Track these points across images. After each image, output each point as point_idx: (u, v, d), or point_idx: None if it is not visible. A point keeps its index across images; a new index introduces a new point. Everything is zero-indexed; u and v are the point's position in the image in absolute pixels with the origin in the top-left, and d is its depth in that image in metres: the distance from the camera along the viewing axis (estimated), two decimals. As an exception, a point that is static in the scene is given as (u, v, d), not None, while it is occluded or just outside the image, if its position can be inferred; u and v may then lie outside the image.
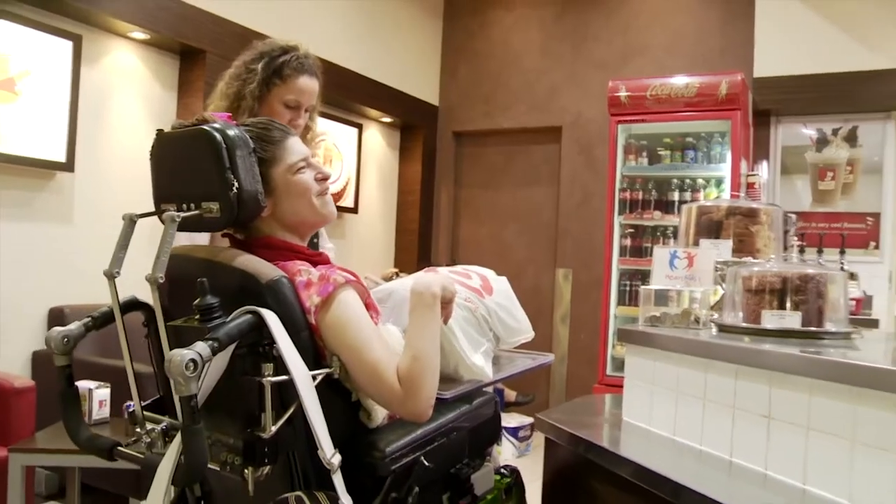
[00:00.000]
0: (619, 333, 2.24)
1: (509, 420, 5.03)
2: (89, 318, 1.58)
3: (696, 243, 2.36)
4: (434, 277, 1.60)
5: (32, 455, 2.74)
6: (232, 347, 1.37)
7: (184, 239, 1.78)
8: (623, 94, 4.94)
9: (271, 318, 1.38)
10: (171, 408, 1.55)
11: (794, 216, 4.61)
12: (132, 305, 1.60)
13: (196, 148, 1.49)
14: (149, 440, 1.48)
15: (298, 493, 1.39)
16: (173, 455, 1.34)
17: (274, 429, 1.36)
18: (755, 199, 5.00)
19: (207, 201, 1.49)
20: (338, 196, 5.66)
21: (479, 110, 6.45)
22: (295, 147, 1.64)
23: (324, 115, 5.28)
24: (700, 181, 4.99)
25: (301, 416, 1.39)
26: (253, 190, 1.50)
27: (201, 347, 1.27)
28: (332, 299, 1.47)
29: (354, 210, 5.87)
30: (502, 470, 2.12)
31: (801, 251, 3.91)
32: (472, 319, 1.83)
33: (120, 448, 1.52)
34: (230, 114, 1.73)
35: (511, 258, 6.28)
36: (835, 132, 5.27)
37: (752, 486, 1.55)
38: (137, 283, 1.45)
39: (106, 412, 2.97)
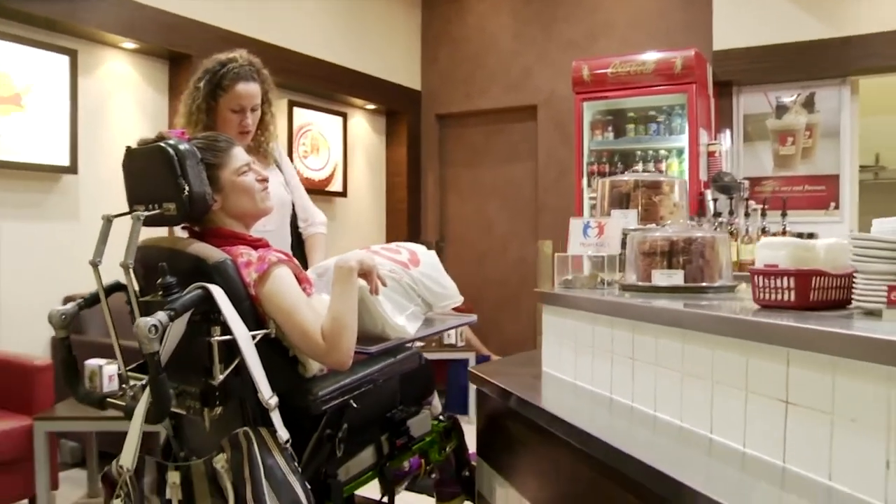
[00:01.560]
0: (538, 295, 2.59)
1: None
2: (81, 300, 1.98)
3: (609, 214, 2.71)
4: (353, 254, 1.98)
5: (53, 422, 3.15)
6: (188, 315, 1.75)
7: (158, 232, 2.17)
8: (586, 73, 5.26)
9: (217, 292, 1.76)
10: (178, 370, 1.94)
11: (745, 182, 4.95)
12: (115, 288, 1.98)
13: (155, 160, 1.87)
14: (132, 393, 1.87)
15: (245, 428, 1.78)
16: (145, 400, 1.73)
17: (221, 377, 1.75)
18: (716, 167, 5.34)
19: (167, 202, 1.87)
20: (326, 182, 6.04)
21: (460, 92, 6.79)
22: (239, 155, 2.02)
23: (309, 106, 5.69)
24: (662, 152, 5.32)
25: (246, 369, 1.77)
26: (201, 191, 1.87)
27: (161, 315, 1.66)
28: (267, 274, 1.85)
29: (343, 194, 6.25)
30: (440, 417, 2.51)
31: (763, 215, 4.26)
32: (398, 287, 2.21)
33: (109, 399, 1.92)
34: (183, 130, 2.10)
35: (495, 232, 6.65)
36: (793, 100, 5.56)
37: (645, 427, 1.83)
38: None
39: (115, 385, 3.36)
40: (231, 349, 1.78)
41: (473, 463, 2.64)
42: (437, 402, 2.54)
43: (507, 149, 6.72)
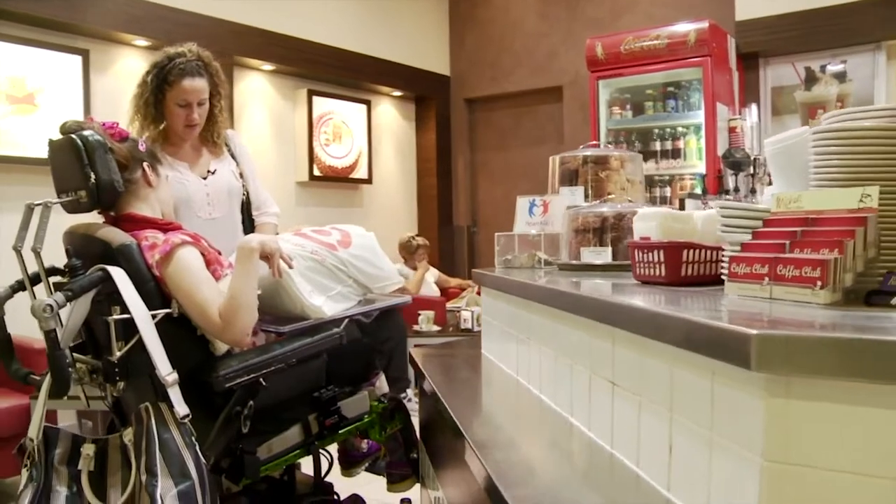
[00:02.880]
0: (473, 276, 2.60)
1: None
2: (15, 283, 2.09)
3: (558, 191, 2.69)
4: (254, 236, 2.04)
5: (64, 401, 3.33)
6: (90, 295, 1.84)
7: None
8: (600, 50, 5.19)
9: (116, 273, 1.84)
10: (93, 348, 2.04)
11: (762, 158, 4.77)
12: (50, 272, 2.09)
13: (66, 151, 1.97)
14: (76, 376, 1.97)
15: (146, 403, 1.86)
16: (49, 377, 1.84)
17: (119, 354, 1.83)
18: (737, 143, 5.17)
19: (79, 190, 1.97)
20: (349, 169, 6.14)
21: (487, 76, 6.78)
22: None
23: (329, 94, 5.77)
24: (680, 129, 5.20)
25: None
26: (109, 180, 1.96)
27: (58, 296, 1.75)
28: (170, 255, 1.92)
29: (368, 181, 6.33)
30: (381, 398, 2.53)
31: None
32: (321, 269, 2.26)
33: (30, 376, 2.03)
34: (115, 123, 2.18)
35: (525, 215, 6.62)
36: (822, 69, 5.34)
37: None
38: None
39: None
40: (133, 328, 1.86)
41: (425, 444, 2.67)
42: (381, 384, 2.57)
43: (534, 131, 6.68)
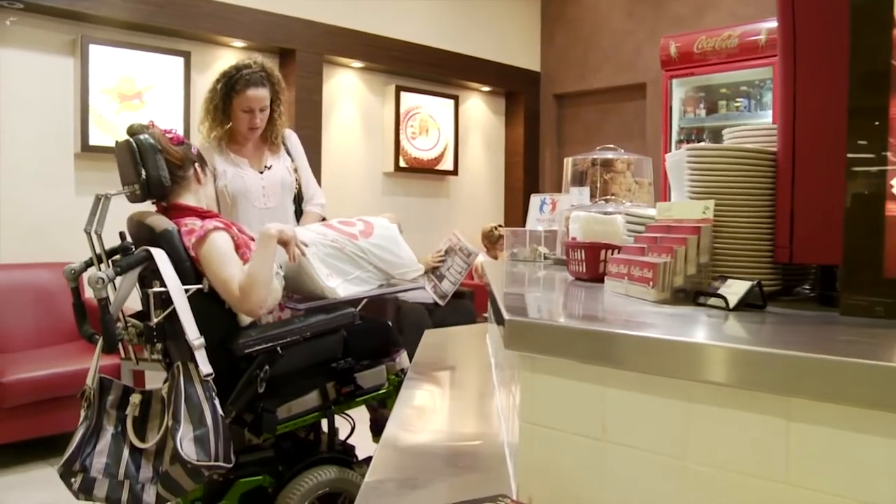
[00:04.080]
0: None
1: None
2: (89, 259, 2.53)
3: (569, 190, 2.89)
4: (274, 225, 2.37)
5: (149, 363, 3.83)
6: (137, 270, 2.24)
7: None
8: (673, 50, 5.27)
9: (157, 253, 2.23)
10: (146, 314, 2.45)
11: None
12: (115, 251, 2.51)
13: (124, 152, 2.37)
14: (127, 336, 2.39)
15: (178, 363, 2.24)
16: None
17: (156, 320, 2.22)
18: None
19: (134, 184, 2.37)
20: (436, 161, 6.47)
21: (575, 73, 6.94)
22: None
23: (417, 90, 6.11)
24: (752, 129, 5.19)
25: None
26: (157, 176, 2.35)
27: (108, 271, 2.16)
28: (204, 239, 2.29)
29: (454, 172, 6.64)
30: (399, 372, 2.83)
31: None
32: (341, 255, 2.58)
33: (95, 336, 2.45)
34: (171, 130, 2.58)
35: (606, 210, 6.75)
36: None
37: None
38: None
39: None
40: (169, 299, 2.24)
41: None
42: (401, 359, 2.86)
43: (619, 127, 6.79)
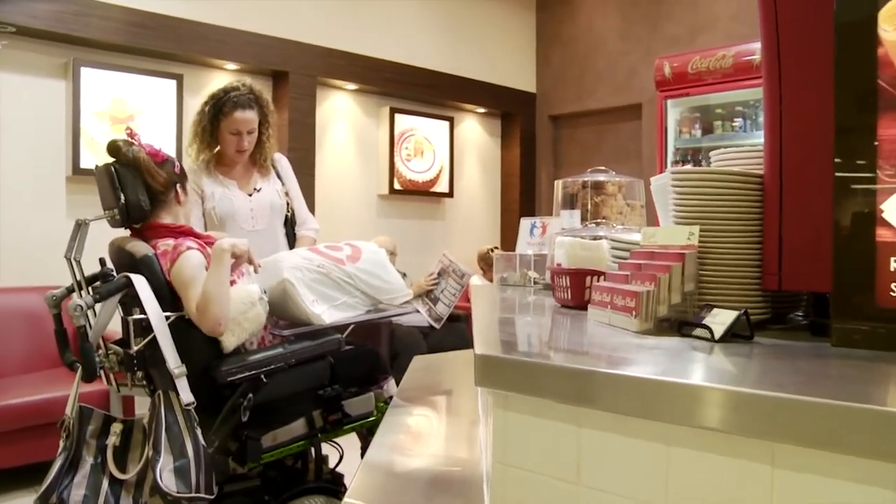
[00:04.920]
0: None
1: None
2: (70, 285, 2.48)
3: (559, 213, 2.85)
4: (227, 239, 2.31)
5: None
6: (117, 297, 2.19)
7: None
8: (668, 70, 5.25)
9: (136, 279, 2.18)
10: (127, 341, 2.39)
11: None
12: (95, 277, 2.46)
13: (104, 176, 2.33)
14: (108, 364, 2.33)
15: (159, 391, 2.18)
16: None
17: (136, 348, 2.17)
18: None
19: (113, 209, 2.33)
20: (431, 183, 6.43)
21: (571, 93, 6.93)
22: None
23: (411, 112, 6.09)
24: (748, 149, 5.16)
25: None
26: (136, 201, 2.30)
27: (87, 298, 2.11)
28: (176, 259, 2.24)
29: (450, 194, 6.60)
30: (387, 400, 2.77)
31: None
32: (327, 281, 2.53)
33: (76, 363, 2.39)
34: (150, 145, 2.53)
35: (603, 230, 6.71)
36: None
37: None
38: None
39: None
40: (150, 327, 2.19)
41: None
42: (389, 387, 2.81)
43: (616, 148, 6.77)
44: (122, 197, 2.29)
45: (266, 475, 2.54)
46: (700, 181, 1.37)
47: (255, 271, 2.42)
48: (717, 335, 1.16)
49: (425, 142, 6.37)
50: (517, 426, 0.96)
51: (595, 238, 1.99)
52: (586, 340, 1.21)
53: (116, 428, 2.28)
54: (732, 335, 1.18)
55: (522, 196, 7.09)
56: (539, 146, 7.20)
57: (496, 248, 6.33)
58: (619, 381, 0.85)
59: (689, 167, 1.44)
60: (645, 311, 1.25)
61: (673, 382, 0.83)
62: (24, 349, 4.17)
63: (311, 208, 5.46)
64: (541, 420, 0.93)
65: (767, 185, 1.33)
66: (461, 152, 6.77)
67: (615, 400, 0.84)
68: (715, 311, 1.23)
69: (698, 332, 1.20)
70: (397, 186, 6.16)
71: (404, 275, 5.56)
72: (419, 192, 6.37)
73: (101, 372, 2.32)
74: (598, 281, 1.71)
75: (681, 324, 1.27)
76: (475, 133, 7.00)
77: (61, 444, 2.25)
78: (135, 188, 2.32)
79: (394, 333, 5.14)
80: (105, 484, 2.19)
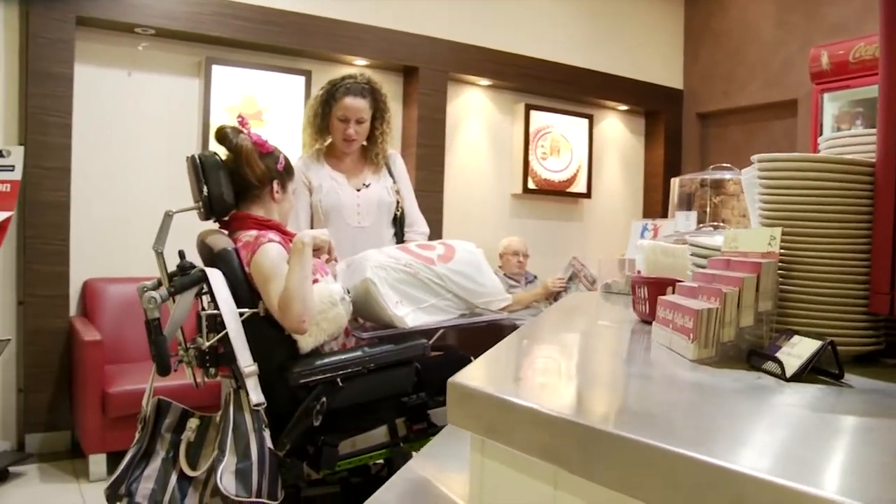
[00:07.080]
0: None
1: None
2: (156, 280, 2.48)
3: (675, 215, 2.58)
4: (308, 231, 2.22)
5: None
6: (193, 291, 2.15)
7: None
8: (825, 60, 4.74)
9: (212, 274, 2.13)
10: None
11: None
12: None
13: (190, 168, 2.31)
14: (187, 359, 2.31)
15: (230, 390, 2.12)
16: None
17: (208, 344, 2.12)
18: None
19: (199, 202, 2.30)
20: (567, 183, 6.17)
21: (720, 90, 6.46)
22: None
23: (547, 109, 5.87)
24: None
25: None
26: (219, 194, 2.26)
27: (162, 291, 2.08)
28: (256, 250, 2.17)
29: (588, 195, 6.31)
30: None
31: None
32: (414, 281, 2.39)
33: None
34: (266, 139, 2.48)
35: (753, 236, 6.20)
36: None
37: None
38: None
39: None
40: (223, 323, 2.13)
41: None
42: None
43: (768, 147, 6.21)
44: (205, 189, 2.25)
45: (348, 481, 2.44)
46: (789, 170, 1.10)
47: (328, 261, 2.32)
48: (789, 372, 0.91)
49: (562, 140, 6.12)
50: (494, 476, 0.78)
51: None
52: (613, 370, 0.99)
53: (193, 423, 2.24)
54: (815, 371, 0.92)
55: (666, 198, 6.68)
56: (686, 145, 6.77)
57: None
58: (606, 441, 0.63)
59: (778, 154, 1.17)
60: (704, 335, 1.02)
61: (680, 455, 0.60)
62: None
63: (440, 206, 5.41)
64: (520, 475, 0.74)
65: (879, 176, 1.04)
66: (601, 151, 6.47)
67: (598, 468, 0.62)
68: (795, 338, 0.98)
69: (769, 365, 0.96)
70: (532, 186, 5.96)
71: (535, 277, 5.37)
72: (555, 192, 6.13)
73: (183, 366, 2.30)
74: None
75: (750, 352, 1.02)
76: (616, 131, 6.67)
77: (136, 435, 2.24)
78: (218, 181, 2.27)
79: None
80: (174, 479, 2.15)
